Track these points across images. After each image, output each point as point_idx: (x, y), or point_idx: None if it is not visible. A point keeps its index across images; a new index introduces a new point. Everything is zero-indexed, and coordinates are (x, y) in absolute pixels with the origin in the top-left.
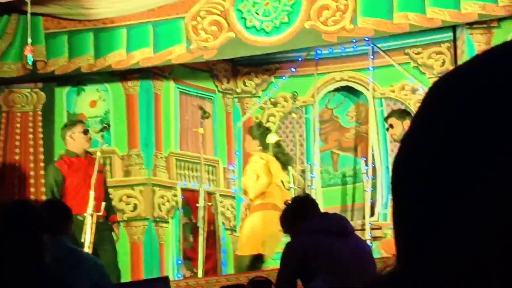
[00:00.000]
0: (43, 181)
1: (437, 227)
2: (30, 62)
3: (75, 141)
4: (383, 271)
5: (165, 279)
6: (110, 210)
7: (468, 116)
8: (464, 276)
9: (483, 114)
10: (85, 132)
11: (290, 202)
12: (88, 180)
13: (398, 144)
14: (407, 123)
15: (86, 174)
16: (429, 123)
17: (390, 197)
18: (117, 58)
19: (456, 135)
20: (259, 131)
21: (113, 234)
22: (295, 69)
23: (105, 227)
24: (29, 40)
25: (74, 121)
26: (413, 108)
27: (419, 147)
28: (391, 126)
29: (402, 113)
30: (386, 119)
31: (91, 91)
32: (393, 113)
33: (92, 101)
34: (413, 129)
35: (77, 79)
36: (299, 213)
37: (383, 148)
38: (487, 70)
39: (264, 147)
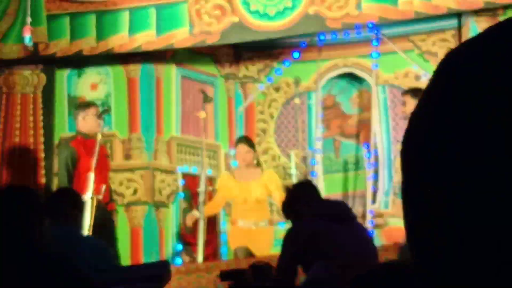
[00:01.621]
0: (43, 163)
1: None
2: (28, 43)
3: (87, 123)
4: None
5: (165, 263)
6: (110, 196)
7: (481, 88)
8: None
9: (498, 87)
10: (99, 115)
11: (292, 187)
12: (98, 163)
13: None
14: None
15: (96, 159)
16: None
17: (392, 184)
18: (119, 41)
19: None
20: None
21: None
22: (298, 54)
23: (106, 211)
24: (28, 20)
25: (89, 103)
26: None
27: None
28: (403, 103)
29: (417, 92)
30: (402, 94)
31: (92, 74)
32: (409, 91)
33: (93, 84)
34: (421, 105)
35: (79, 62)
36: (300, 199)
37: (385, 135)
38: (498, 45)
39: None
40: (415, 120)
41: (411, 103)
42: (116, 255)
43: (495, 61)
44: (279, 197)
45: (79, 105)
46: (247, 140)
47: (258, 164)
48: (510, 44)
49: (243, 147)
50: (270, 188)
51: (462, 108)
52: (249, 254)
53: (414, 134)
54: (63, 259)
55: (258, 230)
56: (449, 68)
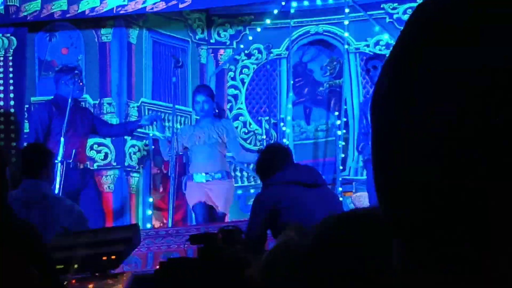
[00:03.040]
0: (12, 126)
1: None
2: None
3: (67, 87)
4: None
5: (135, 226)
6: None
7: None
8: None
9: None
10: (78, 80)
11: (265, 149)
12: (70, 128)
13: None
14: None
15: (71, 122)
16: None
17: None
18: (91, 5)
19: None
20: None
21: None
22: (270, 21)
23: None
24: None
25: (69, 67)
26: None
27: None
28: (374, 67)
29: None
30: (368, 59)
31: (63, 38)
32: (378, 56)
33: (64, 48)
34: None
35: (50, 25)
36: (272, 162)
37: (356, 103)
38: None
39: None
40: (384, 71)
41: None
42: (85, 217)
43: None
44: (234, 147)
45: (60, 69)
46: (205, 89)
47: (217, 115)
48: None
49: (201, 97)
50: (226, 136)
51: (431, 63)
52: (208, 209)
53: (382, 90)
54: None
55: (214, 183)
56: (419, 19)
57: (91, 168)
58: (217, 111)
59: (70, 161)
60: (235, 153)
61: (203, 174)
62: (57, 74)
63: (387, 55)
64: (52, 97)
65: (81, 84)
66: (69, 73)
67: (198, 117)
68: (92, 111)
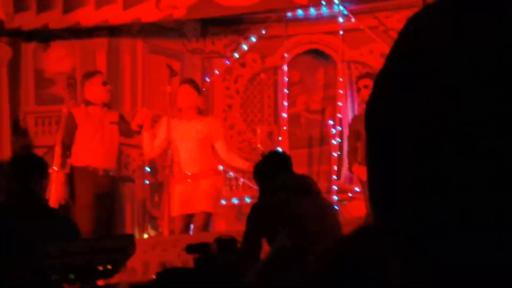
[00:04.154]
0: (8, 137)
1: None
2: None
3: (92, 93)
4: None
5: (130, 236)
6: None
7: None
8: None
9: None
10: (104, 83)
11: (265, 155)
12: (98, 132)
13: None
14: None
15: (99, 126)
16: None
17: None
18: (85, 15)
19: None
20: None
21: None
22: (264, 30)
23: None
24: None
25: (94, 72)
26: None
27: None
28: (365, 87)
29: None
30: (359, 79)
31: (58, 48)
32: (368, 75)
33: (59, 58)
34: (386, 67)
35: (44, 35)
36: (270, 169)
37: (350, 112)
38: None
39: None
40: (380, 81)
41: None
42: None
43: (460, 23)
44: (222, 146)
45: (85, 74)
46: (191, 82)
47: (202, 112)
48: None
49: (186, 88)
50: (213, 133)
51: (427, 70)
52: (187, 222)
53: (379, 95)
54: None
55: (200, 181)
56: (413, 30)
57: None
58: (200, 108)
59: (67, 171)
60: (223, 152)
61: (188, 172)
62: (82, 79)
63: (376, 73)
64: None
65: (106, 87)
66: (92, 77)
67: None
68: None
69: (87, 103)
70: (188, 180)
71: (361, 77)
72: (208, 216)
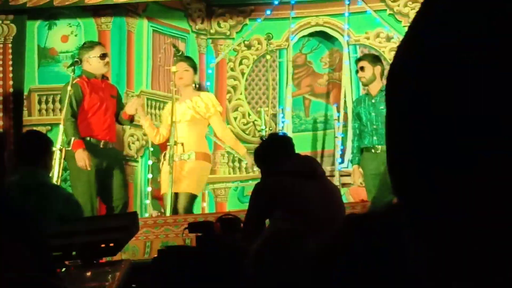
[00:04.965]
0: (12, 114)
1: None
2: None
3: (91, 65)
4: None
5: (133, 214)
6: None
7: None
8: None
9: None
10: (102, 56)
11: (266, 138)
12: (103, 104)
13: (367, 88)
14: (378, 69)
15: (102, 98)
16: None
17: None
18: None
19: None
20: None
21: None
22: (270, 11)
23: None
24: None
25: (93, 43)
26: (387, 56)
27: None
28: (361, 68)
29: (374, 58)
30: (357, 61)
31: (63, 26)
32: (366, 57)
33: (63, 36)
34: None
35: (49, 13)
36: (272, 152)
37: (355, 95)
38: None
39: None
40: (402, 49)
41: (369, 68)
42: (81, 207)
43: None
44: (217, 123)
45: (82, 46)
46: (187, 59)
47: (199, 89)
48: None
49: (181, 65)
50: (207, 110)
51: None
52: (174, 200)
53: (400, 67)
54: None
55: (188, 162)
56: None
57: None
58: (197, 85)
59: (69, 148)
60: (218, 129)
61: (178, 152)
62: (80, 51)
63: (374, 55)
64: (81, 74)
65: (104, 59)
66: (90, 49)
67: (176, 89)
68: None
69: (89, 74)
70: (178, 159)
71: (358, 59)
72: (190, 197)
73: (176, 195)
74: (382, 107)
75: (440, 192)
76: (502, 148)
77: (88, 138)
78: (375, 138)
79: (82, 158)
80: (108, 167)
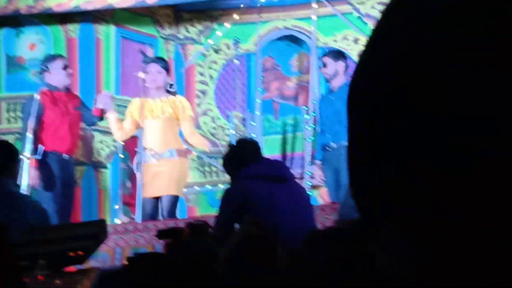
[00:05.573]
0: None
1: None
2: None
3: (53, 76)
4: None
5: (101, 222)
6: None
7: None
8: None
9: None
10: (65, 67)
11: (234, 143)
12: (65, 117)
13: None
14: (340, 64)
15: (64, 111)
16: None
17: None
18: (57, 0)
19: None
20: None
21: None
22: (238, 16)
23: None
24: None
25: (55, 55)
26: (355, 58)
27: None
28: (324, 65)
29: (337, 54)
30: (321, 58)
31: (30, 34)
32: (329, 53)
33: (31, 44)
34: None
35: (16, 21)
36: (240, 157)
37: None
38: None
39: None
40: (363, 59)
41: (331, 64)
42: (48, 215)
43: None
44: (188, 128)
45: (45, 58)
46: (160, 60)
47: (171, 92)
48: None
49: (154, 66)
50: (179, 113)
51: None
52: (154, 205)
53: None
54: None
55: (165, 163)
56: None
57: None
58: (171, 86)
59: (39, 157)
60: (188, 133)
61: (153, 152)
62: (42, 63)
63: (337, 51)
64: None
65: (67, 71)
66: (52, 60)
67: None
68: None
69: (51, 87)
70: (152, 160)
71: (322, 55)
72: (173, 199)
73: (158, 200)
74: (341, 103)
75: (433, 192)
76: (502, 148)
77: (48, 152)
78: (329, 135)
79: (33, 177)
80: (71, 180)
